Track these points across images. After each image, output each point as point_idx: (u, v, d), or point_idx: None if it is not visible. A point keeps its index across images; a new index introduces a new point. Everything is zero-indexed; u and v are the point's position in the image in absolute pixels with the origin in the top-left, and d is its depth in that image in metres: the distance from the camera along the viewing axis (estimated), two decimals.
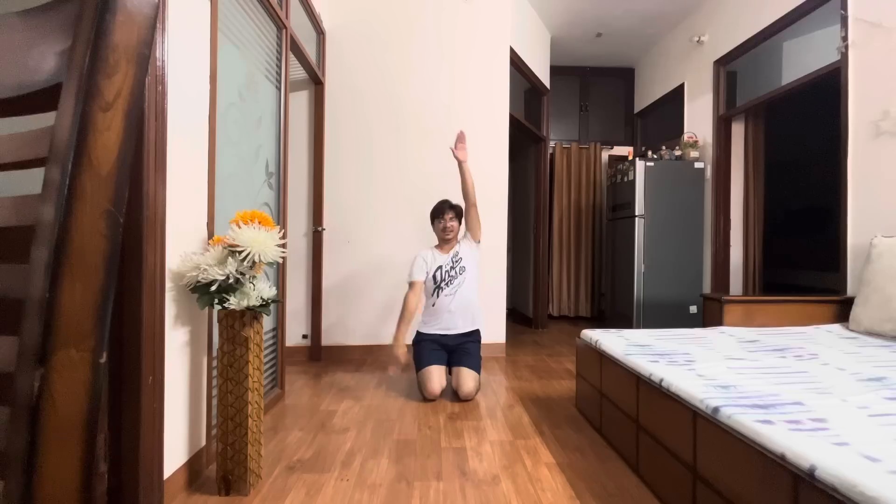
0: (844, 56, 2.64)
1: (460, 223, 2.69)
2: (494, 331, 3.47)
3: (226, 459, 1.49)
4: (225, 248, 1.47)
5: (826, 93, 3.08)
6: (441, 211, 2.65)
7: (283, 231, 1.67)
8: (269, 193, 2.34)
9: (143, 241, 1.30)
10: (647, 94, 5.04)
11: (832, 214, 4.15)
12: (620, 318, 4.23)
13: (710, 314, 2.58)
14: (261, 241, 1.45)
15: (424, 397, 2.45)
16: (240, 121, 1.99)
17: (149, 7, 0.39)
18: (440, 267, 2.65)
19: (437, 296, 2.65)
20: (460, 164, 2.61)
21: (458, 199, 3.46)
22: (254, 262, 1.45)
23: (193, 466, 1.60)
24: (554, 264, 5.10)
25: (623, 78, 5.39)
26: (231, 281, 1.45)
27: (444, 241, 2.69)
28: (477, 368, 2.52)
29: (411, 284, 2.58)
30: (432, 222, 2.72)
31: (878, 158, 2.44)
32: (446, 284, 2.65)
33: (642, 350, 1.88)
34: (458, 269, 2.67)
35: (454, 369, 2.54)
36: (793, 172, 5.43)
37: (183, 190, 1.52)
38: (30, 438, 0.33)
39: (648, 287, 3.92)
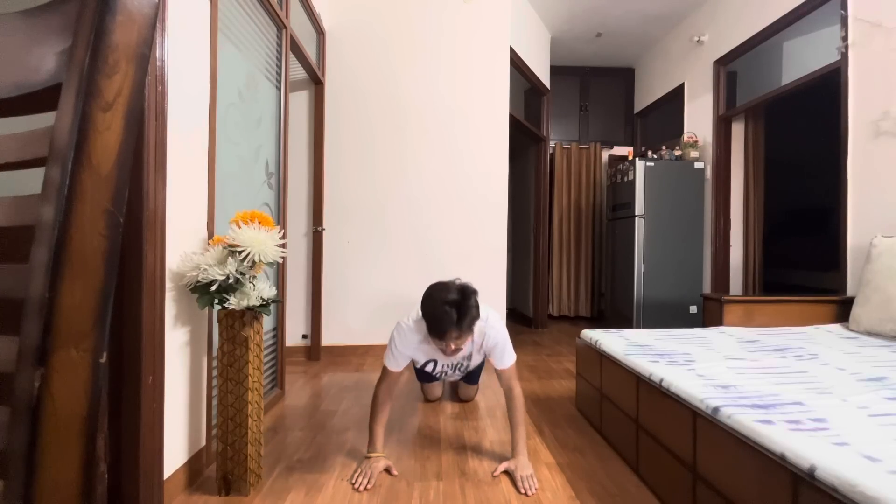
0: (844, 56, 2.64)
1: (473, 331, 1.63)
2: None
3: (226, 459, 1.49)
4: (225, 248, 1.47)
5: (826, 93, 3.08)
6: (441, 331, 1.52)
7: (283, 231, 1.66)
8: (269, 193, 2.34)
9: (143, 241, 1.30)
10: (647, 94, 5.04)
11: (832, 214, 4.15)
12: (620, 318, 4.23)
13: (710, 314, 2.57)
14: (261, 241, 1.45)
15: (425, 398, 2.45)
16: (240, 121, 1.99)
17: (149, 7, 0.39)
18: (434, 362, 1.92)
19: (431, 378, 2.17)
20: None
21: (458, 202, 3.49)
22: (254, 262, 1.45)
23: (193, 466, 1.60)
24: (554, 264, 5.09)
25: (623, 78, 5.39)
26: (231, 281, 1.45)
27: None
28: (477, 380, 2.40)
29: (385, 372, 1.77)
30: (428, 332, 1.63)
31: (878, 158, 2.44)
32: (446, 375, 2.08)
33: (642, 350, 1.88)
34: (465, 365, 2.03)
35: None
36: (793, 172, 5.43)
37: (183, 190, 1.52)
38: (30, 438, 0.33)
39: (648, 287, 3.91)
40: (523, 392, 1.75)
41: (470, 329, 1.56)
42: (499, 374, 1.79)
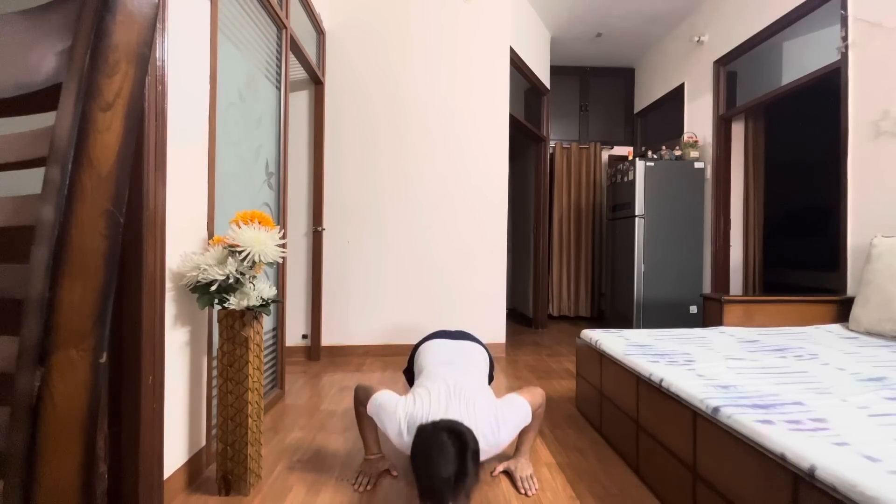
0: (844, 56, 2.64)
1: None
2: (494, 331, 3.47)
3: (226, 459, 1.49)
4: (225, 248, 1.47)
5: (826, 93, 3.08)
6: (433, 501, 1.24)
7: (283, 231, 1.66)
8: (269, 193, 2.34)
9: (143, 241, 1.30)
10: (647, 94, 5.03)
11: (832, 214, 4.15)
12: (620, 318, 4.23)
13: (710, 314, 2.57)
14: (261, 241, 1.45)
15: None
16: (240, 121, 1.99)
17: (149, 7, 0.39)
18: None
19: None
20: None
21: (458, 202, 3.49)
22: (254, 262, 1.45)
23: (193, 466, 1.60)
24: (554, 264, 5.09)
25: (623, 78, 5.39)
26: (231, 281, 1.45)
27: None
28: None
29: (360, 405, 1.61)
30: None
31: (878, 158, 2.44)
32: None
33: (642, 350, 1.88)
34: None
35: None
36: (793, 172, 5.43)
37: (183, 190, 1.52)
38: (30, 438, 0.33)
39: (648, 287, 3.91)
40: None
41: (469, 492, 1.28)
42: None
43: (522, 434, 1.66)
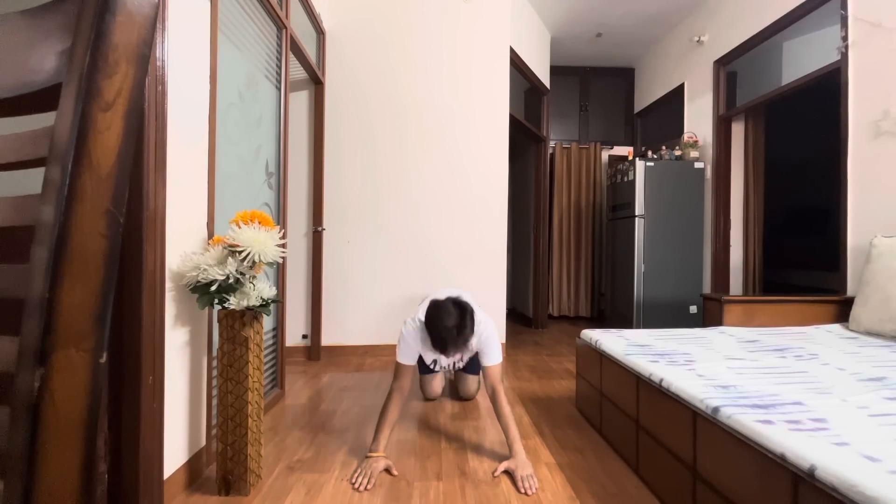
0: (844, 56, 2.64)
1: (470, 345, 1.78)
2: None
3: (226, 459, 1.49)
4: (225, 248, 1.47)
5: (826, 93, 3.08)
6: (443, 349, 1.69)
7: (283, 231, 1.67)
8: (269, 193, 2.34)
9: (143, 241, 1.30)
10: (647, 94, 5.03)
11: (832, 214, 4.16)
12: (620, 318, 4.23)
13: (710, 314, 2.57)
14: (261, 241, 1.45)
15: (425, 397, 2.45)
16: (240, 121, 1.99)
17: (149, 7, 0.39)
18: (435, 361, 2.17)
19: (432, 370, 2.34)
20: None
21: (458, 202, 3.49)
22: (254, 262, 1.45)
23: (193, 466, 1.60)
24: (554, 264, 5.09)
25: (623, 78, 5.39)
26: (231, 281, 1.45)
27: None
28: (477, 372, 2.50)
29: (398, 368, 1.82)
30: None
31: (878, 158, 2.44)
32: (447, 369, 2.42)
33: (642, 350, 1.88)
34: (464, 360, 2.26)
35: (455, 373, 2.53)
36: (793, 172, 5.44)
37: (183, 190, 1.52)
38: (30, 438, 0.33)
39: (648, 287, 3.91)
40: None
41: (467, 345, 1.72)
42: (484, 372, 1.86)
43: (505, 430, 1.76)
